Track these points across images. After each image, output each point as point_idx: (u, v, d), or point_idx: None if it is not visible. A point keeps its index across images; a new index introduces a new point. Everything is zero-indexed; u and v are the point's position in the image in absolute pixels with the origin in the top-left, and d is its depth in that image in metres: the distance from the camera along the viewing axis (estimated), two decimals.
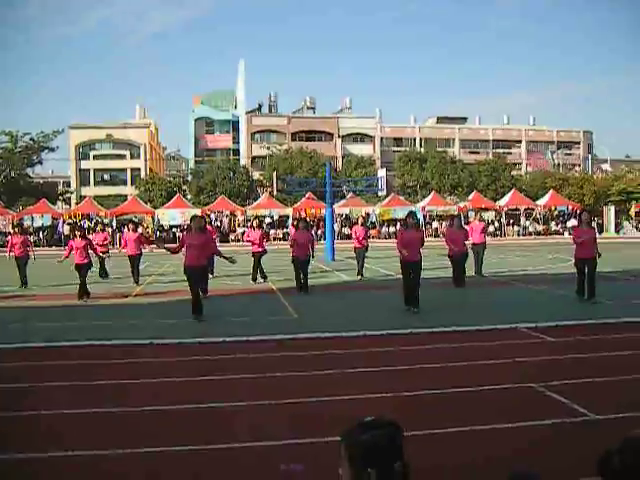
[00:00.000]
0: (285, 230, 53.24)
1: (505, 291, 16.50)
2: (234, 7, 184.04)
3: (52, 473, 5.01)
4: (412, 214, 13.24)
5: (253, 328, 11.05)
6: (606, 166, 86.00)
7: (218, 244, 19.65)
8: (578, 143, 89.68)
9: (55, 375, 8.09)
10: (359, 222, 21.82)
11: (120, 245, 19.69)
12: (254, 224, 20.25)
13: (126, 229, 21.52)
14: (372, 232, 52.34)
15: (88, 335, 10.49)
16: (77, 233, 16.52)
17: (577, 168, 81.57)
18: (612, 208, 57.89)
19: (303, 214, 52.59)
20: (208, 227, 17.29)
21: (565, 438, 5.51)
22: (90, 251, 16.48)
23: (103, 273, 20.81)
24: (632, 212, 58.55)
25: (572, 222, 56.92)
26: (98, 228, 22.70)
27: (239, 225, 52.91)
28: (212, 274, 18.92)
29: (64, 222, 50.80)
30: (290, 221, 53.58)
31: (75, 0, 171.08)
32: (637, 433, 2.28)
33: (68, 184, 79.41)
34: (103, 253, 20.81)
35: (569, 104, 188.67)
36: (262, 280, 18.67)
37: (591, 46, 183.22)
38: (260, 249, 18.70)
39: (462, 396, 6.84)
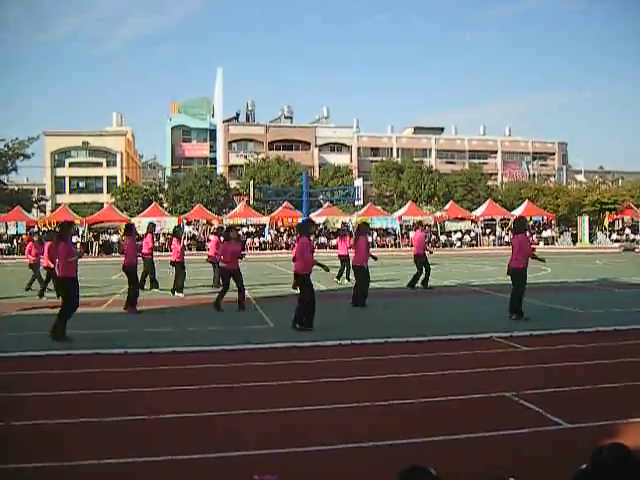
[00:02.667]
0: (262, 239, 53.22)
1: (480, 300, 16.57)
2: (212, 15, 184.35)
3: None
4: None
5: (229, 337, 11.00)
6: (580, 177, 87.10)
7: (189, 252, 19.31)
8: (553, 154, 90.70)
9: (37, 385, 8.01)
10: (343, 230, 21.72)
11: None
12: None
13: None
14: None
15: (53, 345, 10.43)
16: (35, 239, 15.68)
17: (552, 179, 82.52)
18: (586, 218, 58.55)
19: (280, 223, 52.72)
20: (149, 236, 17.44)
21: (539, 447, 5.53)
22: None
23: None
24: (606, 223, 59.22)
25: (547, 233, 57.62)
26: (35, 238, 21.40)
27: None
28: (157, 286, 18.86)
29: (39, 230, 50.36)
30: (267, 229, 53.62)
31: (50, 6, 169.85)
32: (604, 447, 2.29)
33: (43, 192, 78.69)
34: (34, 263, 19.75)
35: (544, 116, 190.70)
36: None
37: (566, 59, 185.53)
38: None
39: (436, 406, 6.85)
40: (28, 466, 5.21)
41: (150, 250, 18.70)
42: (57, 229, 12.14)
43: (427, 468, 2.53)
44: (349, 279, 19.70)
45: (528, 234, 12.91)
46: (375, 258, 16.84)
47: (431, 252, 19.99)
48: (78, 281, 11.63)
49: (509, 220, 58.22)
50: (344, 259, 20.12)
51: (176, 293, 17.83)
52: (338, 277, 20.45)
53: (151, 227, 19.58)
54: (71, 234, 12.44)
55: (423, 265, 18.84)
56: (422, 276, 18.83)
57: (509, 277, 13.27)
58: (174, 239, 19.02)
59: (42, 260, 18.84)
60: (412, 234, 52.07)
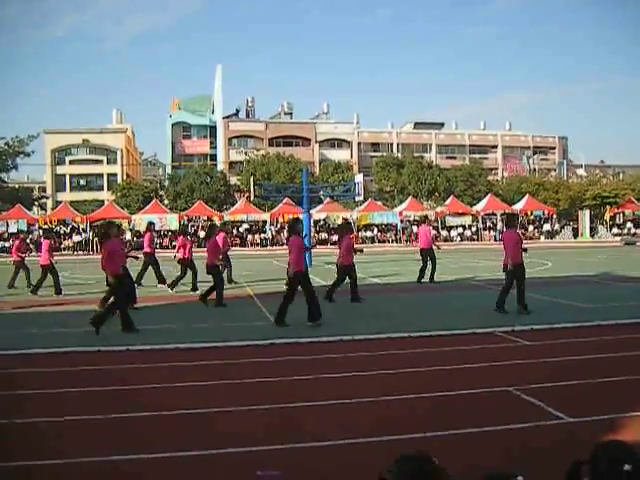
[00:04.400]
0: (262, 235, 53.26)
1: (482, 295, 16.55)
2: (212, 12, 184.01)
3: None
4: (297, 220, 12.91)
5: (230, 334, 11.01)
6: (581, 171, 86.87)
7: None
8: (553, 148, 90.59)
9: (38, 382, 8.03)
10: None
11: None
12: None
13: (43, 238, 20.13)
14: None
15: (54, 342, 10.45)
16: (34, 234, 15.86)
17: (552, 173, 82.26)
18: (587, 213, 58.49)
19: (280, 219, 52.72)
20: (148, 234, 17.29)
21: (541, 441, 5.54)
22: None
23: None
24: (606, 217, 59.21)
25: (547, 226, 57.62)
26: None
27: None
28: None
29: (39, 228, 50.41)
30: (268, 226, 53.66)
31: (49, 4, 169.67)
32: (606, 441, 2.30)
33: (44, 189, 78.70)
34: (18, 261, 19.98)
35: (544, 110, 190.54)
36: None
37: (566, 53, 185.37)
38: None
39: (438, 400, 6.86)
40: (29, 464, 5.22)
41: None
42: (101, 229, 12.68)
43: (425, 455, 2.46)
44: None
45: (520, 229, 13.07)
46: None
47: (439, 248, 19.94)
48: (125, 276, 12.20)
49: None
50: None
51: (166, 287, 18.19)
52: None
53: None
54: (114, 233, 12.51)
55: (429, 259, 18.90)
56: (427, 269, 18.94)
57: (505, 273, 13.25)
58: (181, 237, 19.11)
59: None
60: (415, 228, 51.99)
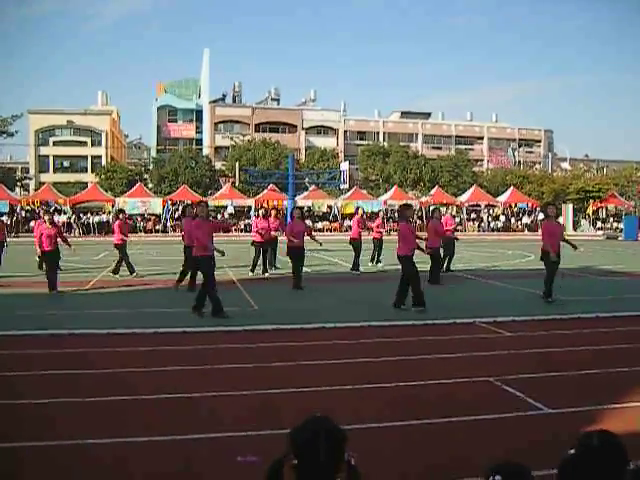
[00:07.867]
0: (247, 221, 53.11)
1: (464, 286, 16.64)
2: None
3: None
4: (407, 205, 13.36)
5: (213, 319, 10.99)
6: (565, 165, 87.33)
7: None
8: (539, 141, 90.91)
9: (31, 364, 7.99)
10: (359, 213, 21.38)
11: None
12: (260, 213, 20.58)
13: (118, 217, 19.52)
14: (335, 225, 52.67)
15: (60, 324, 10.40)
16: (47, 218, 15.54)
17: (537, 166, 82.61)
18: (570, 206, 58.78)
19: (266, 205, 52.54)
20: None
21: (520, 432, 5.57)
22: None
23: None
24: (589, 211, 59.56)
25: (526, 219, 57.90)
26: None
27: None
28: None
29: (21, 209, 49.99)
30: (253, 212, 53.49)
31: None
32: (593, 433, 2.30)
33: (27, 170, 77.99)
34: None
35: (531, 103, 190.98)
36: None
37: (556, 45, 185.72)
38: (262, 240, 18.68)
39: (418, 390, 6.88)
40: (15, 445, 5.19)
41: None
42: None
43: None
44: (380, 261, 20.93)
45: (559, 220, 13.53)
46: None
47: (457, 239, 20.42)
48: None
49: (495, 206, 58.61)
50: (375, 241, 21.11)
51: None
52: (372, 260, 21.19)
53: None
54: (197, 212, 12.65)
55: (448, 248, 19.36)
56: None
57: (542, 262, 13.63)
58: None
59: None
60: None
